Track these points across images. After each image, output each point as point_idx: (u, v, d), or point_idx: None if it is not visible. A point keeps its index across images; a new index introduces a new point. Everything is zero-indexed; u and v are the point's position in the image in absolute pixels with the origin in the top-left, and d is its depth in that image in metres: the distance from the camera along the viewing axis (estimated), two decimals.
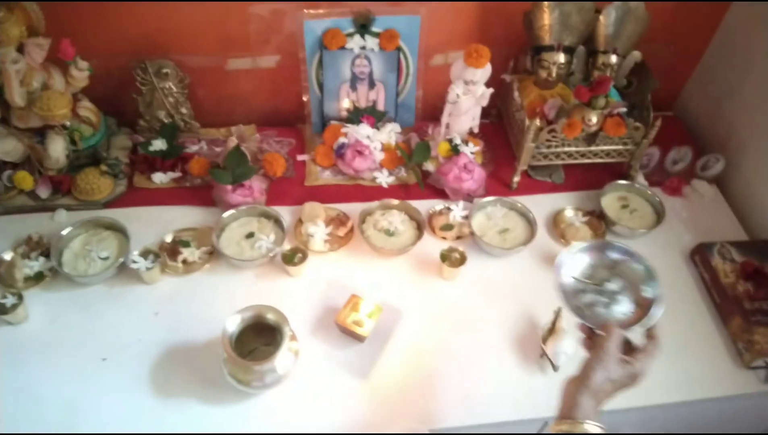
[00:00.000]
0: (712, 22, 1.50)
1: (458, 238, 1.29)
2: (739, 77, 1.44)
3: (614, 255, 0.95)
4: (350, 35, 1.33)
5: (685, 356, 1.14)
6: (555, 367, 1.08)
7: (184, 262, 1.20)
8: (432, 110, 1.47)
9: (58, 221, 1.25)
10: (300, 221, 1.28)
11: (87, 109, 1.26)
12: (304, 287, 1.19)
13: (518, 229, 1.29)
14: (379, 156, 1.38)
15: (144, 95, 1.34)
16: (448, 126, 1.37)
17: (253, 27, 1.33)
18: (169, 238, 1.22)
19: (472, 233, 1.27)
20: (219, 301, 1.16)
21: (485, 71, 1.27)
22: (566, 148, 1.34)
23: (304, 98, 1.41)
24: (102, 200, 1.27)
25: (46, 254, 1.17)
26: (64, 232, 1.18)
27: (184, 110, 1.38)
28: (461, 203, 1.31)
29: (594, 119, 1.29)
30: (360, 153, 1.34)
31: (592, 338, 0.87)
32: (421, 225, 1.27)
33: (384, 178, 1.38)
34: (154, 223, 1.26)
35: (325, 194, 1.35)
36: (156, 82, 1.32)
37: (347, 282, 1.20)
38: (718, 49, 1.51)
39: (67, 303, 1.14)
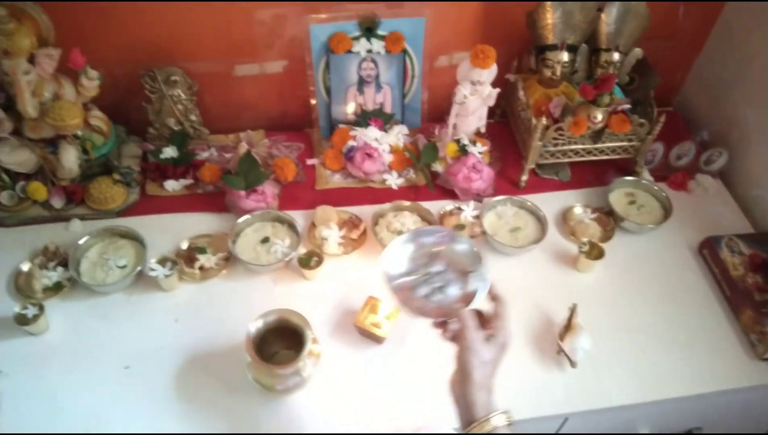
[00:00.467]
0: (710, 16, 1.52)
1: (470, 237, 1.31)
2: (739, 70, 1.46)
3: (427, 239, 0.95)
4: (356, 39, 1.34)
5: (698, 350, 1.16)
6: (573, 363, 1.10)
7: (201, 268, 1.21)
8: (437, 111, 1.48)
9: (73, 231, 1.26)
10: (313, 225, 1.29)
11: (97, 118, 1.26)
12: (321, 290, 1.21)
13: (529, 227, 1.31)
14: (388, 158, 1.39)
15: (153, 103, 1.35)
16: (455, 126, 1.39)
17: (258, 32, 1.33)
18: (184, 245, 1.23)
19: (483, 232, 1.28)
20: (238, 306, 1.17)
21: (491, 71, 1.29)
22: (572, 146, 1.36)
23: (312, 102, 1.42)
24: (116, 209, 1.28)
25: (64, 264, 1.18)
26: (81, 242, 1.19)
27: (193, 117, 1.39)
28: (472, 203, 1.33)
29: (599, 117, 1.31)
30: (369, 155, 1.36)
31: (447, 329, 0.86)
32: (433, 225, 1.29)
33: (393, 180, 1.39)
34: (168, 231, 1.27)
35: (336, 197, 1.36)
36: (165, 90, 1.32)
37: (364, 284, 1.20)
38: (717, 43, 1.53)
39: (86, 312, 1.15)
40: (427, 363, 1.11)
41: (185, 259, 1.21)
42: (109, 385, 1.06)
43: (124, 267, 1.18)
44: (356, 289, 1.19)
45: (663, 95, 1.64)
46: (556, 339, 1.12)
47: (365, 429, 1.03)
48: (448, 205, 1.35)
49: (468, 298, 0.88)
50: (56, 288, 1.16)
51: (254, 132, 1.45)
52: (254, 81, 1.42)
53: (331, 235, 1.25)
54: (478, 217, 1.31)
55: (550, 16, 1.32)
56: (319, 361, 1.07)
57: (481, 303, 0.88)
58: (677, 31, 1.52)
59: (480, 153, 1.37)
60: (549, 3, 1.31)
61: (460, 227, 1.30)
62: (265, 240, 1.24)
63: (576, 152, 1.38)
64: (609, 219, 1.35)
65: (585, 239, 1.26)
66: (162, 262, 1.17)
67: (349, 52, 1.34)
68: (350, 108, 1.42)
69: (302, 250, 1.23)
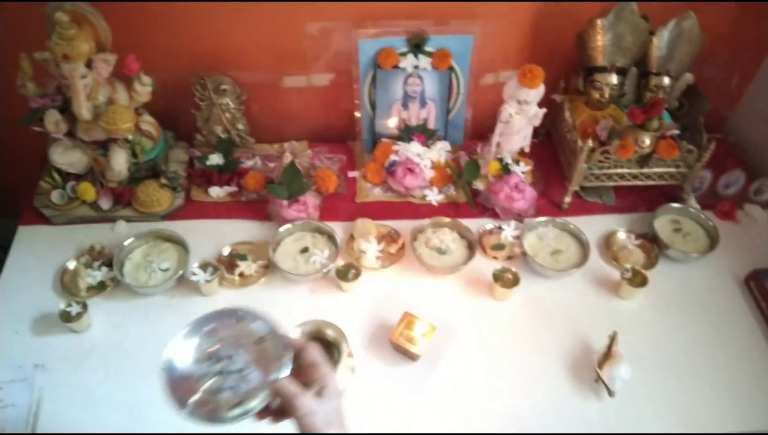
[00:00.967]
0: (763, 44, 1.48)
1: (509, 258, 1.29)
2: None
3: (205, 328, 0.78)
4: (403, 54, 1.34)
5: (741, 386, 1.12)
6: (611, 392, 1.08)
7: (241, 275, 1.22)
8: (481, 129, 1.48)
9: (119, 232, 1.29)
10: (352, 237, 1.30)
11: (148, 123, 1.29)
12: (357, 303, 1.21)
13: (571, 250, 1.29)
14: (429, 174, 1.39)
15: (202, 110, 1.37)
16: (499, 145, 1.38)
17: (308, 45, 1.35)
18: (226, 252, 1.25)
19: (523, 254, 1.27)
20: (275, 314, 1.16)
21: (539, 91, 1.28)
22: (618, 170, 1.34)
23: (356, 115, 1.43)
24: (161, 212, 1.31)
25: (108, 264, 1.20)
26: (126, 243, 1.21)
27: (240, 126, 1.41)
28: (512, 223, 1.32)
29: (647, 141, 1.29)
30: (411, 170, 1.36)
31: (270, 410, 0.74)
32: (473, 244, 1.28)
33: (434, 196, 1.39)
34: (211, 237, 1.29)
35: (376, 211, 1.37)
36: (214, 98, 1.35)
37: (400, 299, 1.20)
38: None
39: (127, 312, 1.17)
40: (460, 384, 1.11)
41: (226, 265, 1.23)
42: (144, 384, 1.07)
43: (166, 270, 1.20)
44: (393, 303, 1.19)
45: (713, 122, 1.60)
46: (595, 366, 1.10)
47: None
48: (488, 223, 1.34)
49: (276, 369, 0.73)
50: (100, 287, 1.19)
51: (298, 142, 1.47)
52: (301, 93, 1.44)
53: (370, 249, 1.25)
54: (518, 237, 1.30)
55: (601, 38, 1.31)
56: (353, 374, 1.07)
57: (287, 363, 0.73)
58: (731, 56, 1.49)
59: (523, 172, 1.36)
60: (600, 24, 1.30)
61: (500, 247, 1.29)
62: (305, 250, 1.25)
63: (621, 176, 1.36)
64: (653, 246, 1.32)
65: (628, 265, 1.24)
66: (203, 266, 1.18)
67: (396, 67, 1.35)
68: (394, 122, 1.43)
69: (340, 261, 1.24)
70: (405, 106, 1.41)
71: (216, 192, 1.36)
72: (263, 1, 1.25)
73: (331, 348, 1.02)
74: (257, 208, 1.35)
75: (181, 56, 1.35)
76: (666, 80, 1.35)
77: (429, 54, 1.35)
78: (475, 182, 1.39)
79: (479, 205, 1.39)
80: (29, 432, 1.00)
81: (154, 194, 1.29)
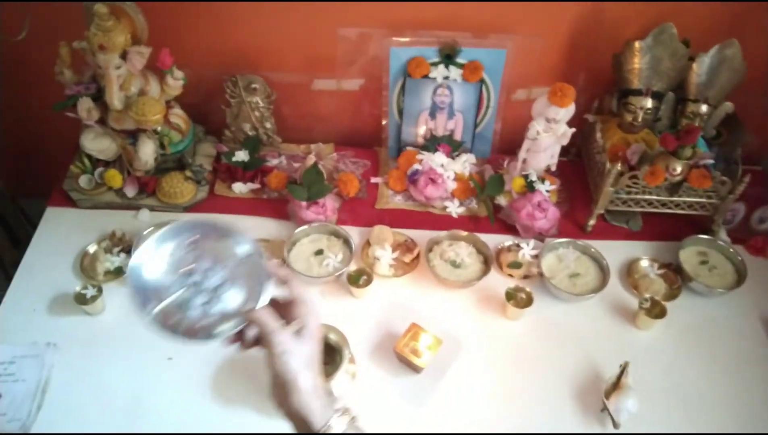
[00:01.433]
0: None
1: (525, 277, 1.27)
2: None
3: (189, 235, 0.74)
4: (434, 64, 1.34)
5: (757, 427, 1.08)
6: (616, 425, 1.04)
7: None
8: (509, 144, 1.46)
9: (141, 220, 1.31)
10: (368, 243, 1.29)
11: (178, 116, 1.32)
12: (367, 310, 1.20)
13: (590, 274, 1.26)
14: (452, 185, 1.37)
15: (232, 107, 1.39)
16: (525, 161, 1.36)
17: (340, 49, 1.36)
18: None
19: (540, 274, 1.24)
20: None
21: (569, 111, 1.25)
22: (646, 196, 1.30)
23: (383, 122, 1.43)
24: (183, 204, 1.33)
25: (127, 251, 1.23)
26: (145, 232, 1.24)
27: (268, 125, 1.42)
28: (532, 242, 1.29)
29: (678, 169, 1.25)
30: (433, 181, 1.35)
31: (244, 338, 0.71)
32: (489, 260, 1.26)
33: (454, 208, 1.38)
34: None
35: (395, 218, 1.36)
36: (244, 96, 1.37)
37: (409, 309, 1.20)
38: None
39: None
40: (462, 400, 1.09)
41: None
42: (151, 372, 1.10)
43: None
44: (402, 313, 1.18)
45: (753, 153, 1.54)
46: (602, 396, 1.07)
47: None
48: (507, 240, 1.32)
49: (256, 295, 0.70)
50: (117, 272, 1.21)
51: (324, 145, 1.48)
52: (330, 96, 1.45)
53: (384, 256, 1.25)
54: (536, 256, 1.27)
55: (638, 61, 1.28)
56: (354, 380, 1.06)
57: (270, 295, 0.71)
58: (764, 86, 1.43)
59: (548, 191, 1.33)
60: (637, 46, 1.27)
61: (516, 265, 1.26)
62: (319, 252, 1.25)
63: (650, 202, 1.32)
64: (677, 277, 1.28)
65: (647, 295, 1.20)
66: None
67: (426, 77, 1.34)
68: (420, 131, 1.42)
69: (353, 266, 1.24)
70: (432, 115, 1.40)
71: (239, 188, 1.37)
72: (299, 0, 1.26)
73: (333, 352, 1.02)
74: (278, 207, 1.36)
75: (216, 53, 1.37)
76: (704, 108, 1.30)
77: (460, 65, 1.34)
78: (498, 197, 1.37)
79: (500, 220, 1.37)
80: (35, 408, 1.03)
81: (178, 186, 1.31)
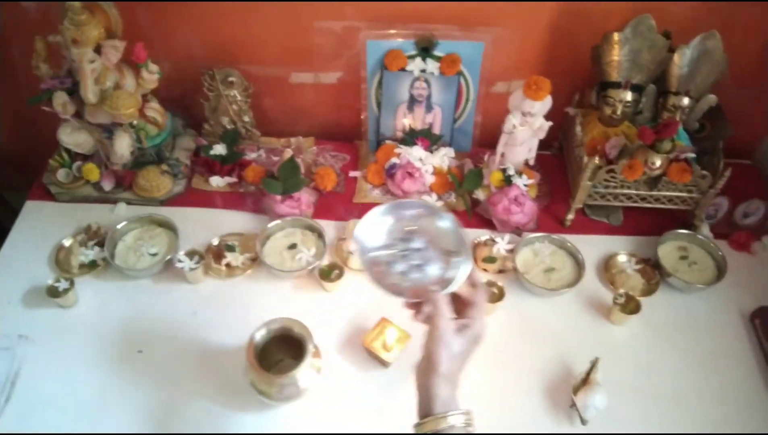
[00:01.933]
0: None
1: (500, 271, 1.26)
2: None
3: (407, 211, 0.88)
4: (412, 57, 1.33)
5: (731, 425, 1.07)
6: (583, 421, 1.03)
7: (228, 265, 1.23)
8: (490, 137, 1.44)
9: (118, 214, 1.32)
10: (343, 237, 1.29)
11: (154, 110, 1.32)
12: (338, 304, 1.20)
13: (565, 269, 1.25)
14: (430, 179, 1.37)
15: (210, 101, 1.39)
16: (503, 155, 1.34)
17: (317, 42, 1.35)
18: (215, 241, 1.26)
19: (515, 269, 1.23)
20: (255, 308, 1.18)
21: (544, 104, 1.24)
22: (625, 190, 1.29)
23: (362, 116, 1.42)
24: (160, 198, 1.33)
25: (102, 244, 1.24)
26: (119, 226, 1.24)
27: (246, 118, 1.42)
28: (507, 236, 1.28)
29: (658, 163, 1.23)
30: (410, 175, 1.34)
31: (420, 311, 0.82)
32: None
33: (432, 203, 1.37)
34: (206, 225, 1.31)
35: None
36: (222, 89, 1.36)
37: (382, 304, 1.17)
38: None
39: (114, 293, 1.20)
40: None
41: (214, 255, 1.24)
42: (121, 365, 1.10)
43: (155, 254, 1.23)
44: (374, 308, 1.17)
45: (742, 147, 1.52)
46: (571, 392, 1.06)
47: None
48: (484, 235, 1.31)
49: (447, 281, 0.82)
50: (91, 266, 1.22)
51: (305, 139, 1.48)
52: (310, 89, 1.44)
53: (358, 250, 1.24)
54: (512, 251, 1.26)
55: (616, 53, 1.26)
56: (320, 374, 1.06)
57: (459, 287, 0.82)
58: (754, 80, 1.40)
59: (525, 185, 1.32)
60: (616, 38, 1.24)
61: (491, 260, 1.26)
62: (293, 246, 1.25)
63: (629, 197, 1.30)
64: (654, 272, 1.26)
65: (622, 290, 1.19)
66: (190, 254, 1.20)
67: (403, 70, 1.33)
68: (398, 125, 1.41)
69: (327, 261, 1.23)
70: (411, 109, 1.39)
71: (216, 181, 1.38)
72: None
73: (297, 346, 1.02)
74: (254, 201, 1.36)
75: (194, 47, 1.37)
76: (686, 100, 1.28)
77: (438, 58, 1.33)
78: (476, 192, 1.36)
79: (478, 215, 1.36)
80: (3, 400, 1.04)
81: (154, 180, 1.32)
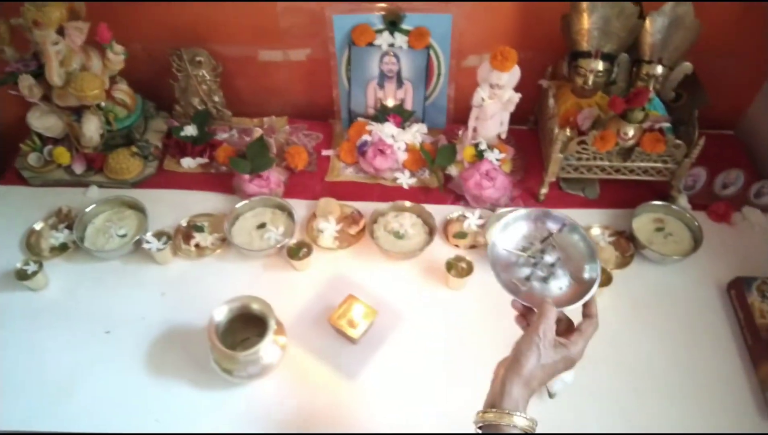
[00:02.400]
0: None
1: (472, 247, 1.25)
2: None
3: (553, 225, 0.89)
4: (379, 32, 1.31)
5: (703, 399, 1.05)
6: (551, 394, 1.03)
7: (197, 246, 1.23)
8: (465, 113, 1.41)
9: (90, 197, 1.32)
10: (314, 216, 1.28)
11: (122, 91, 1.32)
12: (307, 282, 1.20)
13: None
14: (402, 156, 1.35)
15: (179, 81, 1.39)
16: (475, 130, 1.33)
17: (283, 19, 1.33)
18: (184, 222, 1.26)
19: (486, 244, 1.22)
20: (224, 287, 1.18)
21: (512, 75, 1.22)
22: (598, 162, 1.27)
23: (333, 93, 1.41)
24: (131, 180, 1.33)
25: (71, 227, 1.24)
26: (88, 209, 1.24)
27: (216, 98, 1.42)
28: (477, 211, 1.27)
29: (630, 133, 1.21)
30: (382, 152, 1.33)
31: (527, 317, 0.84)
32: (433, 230, 1.24)
33: (405, 179, 1.36)
34: (176, 206, 1.30)
35: (345, 191, 1.35)
36: (190, 70, 1.36)
37: (350, 282, 1.19)
38: None
39: (83, 275, 1.20)
40: (397, 371, 1.08)
41: (183, 236, 1.24)
42: (89, 346, 1.11)
43: (124, 236, 1.23)
44: (343, 285, 1.18)
45: (726, 117, 1.50)
46: None
47: (320, 427, 1.01)
48: (458, 211, 1.30)
49: (563, 301, 0.83)
50: (62, 248, 1.23)
51: (278, 118, 1.47)
52: (281, 68, 1.43)
53: (328, 228, 1.24)
54: (482, 226, 1.25)
55: (586, 21, 1.23)
56: (284, 351, 1.06)
57: (573, 310, 0.83)
58: (746, 48, 1.37)
59: (498, 160, 1.30)
60: (585, 6, 1.22)
61: (461, 236, 1.24)
62: (262, 226, 1.24)
63: (602, 169, 1.28)
64: (629, 244, 1.24)
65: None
66: (158, 235, 1.20)
67: (371, 44, 1.32)
68: (369, 102, 1.40)
69: (296, 239, 1.23)
70: (381, 85, 1.38)
71: (187, 163, 1.37)
72: None
73: (261, 324, 1.01)
74: (226, 182, 1.35)
75: (163, 28, 1.36)
76: (659, 69, 1.25)
77: (406, 32, 1.31)
78: (449, 168, 1.35)
79: (451, 191, 1.34)
80: None
81: (124, 162, 1.31)
